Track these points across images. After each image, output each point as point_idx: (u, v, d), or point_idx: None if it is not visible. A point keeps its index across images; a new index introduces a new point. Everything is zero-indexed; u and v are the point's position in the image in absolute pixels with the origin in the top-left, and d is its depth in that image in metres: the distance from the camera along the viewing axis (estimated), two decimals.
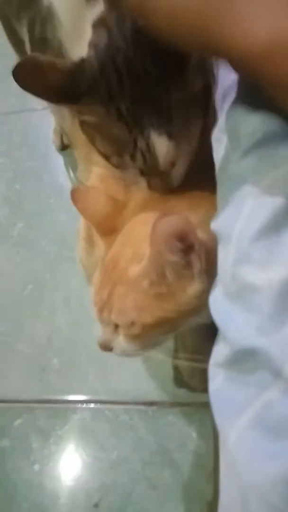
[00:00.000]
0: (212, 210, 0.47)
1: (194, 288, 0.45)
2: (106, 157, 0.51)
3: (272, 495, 0.27)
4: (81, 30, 0.48)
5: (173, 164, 0.48)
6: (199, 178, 0.51)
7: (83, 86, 0.45)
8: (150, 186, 0.51)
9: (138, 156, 0.47)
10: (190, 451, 0.62)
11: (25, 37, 0.59)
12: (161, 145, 0.46)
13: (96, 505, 0.62)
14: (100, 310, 0.48)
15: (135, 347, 0.48)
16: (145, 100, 0.44)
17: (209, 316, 0.47)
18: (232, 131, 0.37)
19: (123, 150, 0.48)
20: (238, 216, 0.33)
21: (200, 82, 0.45)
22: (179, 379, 0.67)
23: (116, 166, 0.51)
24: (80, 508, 0.63)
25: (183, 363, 0.67)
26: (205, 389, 0.66)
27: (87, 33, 0.47)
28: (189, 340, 0.67)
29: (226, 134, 0.38)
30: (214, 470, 0.60)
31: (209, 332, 0.70)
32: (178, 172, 0.50)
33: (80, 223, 0.59)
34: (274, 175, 0.31)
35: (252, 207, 0.32)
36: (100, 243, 0.52)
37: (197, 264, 0.44)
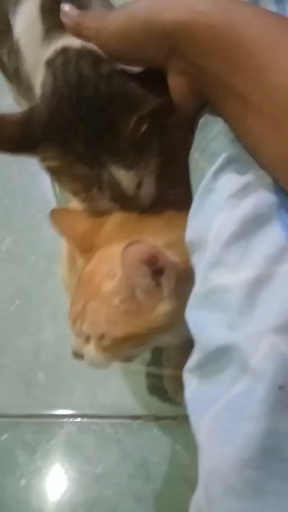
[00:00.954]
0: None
1: (163, 307, 0.47)
2: (75, 194, 0.52)
3: (230, 477, 0.28)
4: (39, 68, 0.49)
5: (139, 185, 0.50)
6: (178, 196, 0.52)
7: (37, 135, 0.45)
8: (124, 210, 0.52)
9: (105, 188, 0.49)
10: (175, 464, 0.63)
11: (7, 63, 0.60)
12: (122, 176, 0.47)
13: None
14: (74, 321, 0.50)
15: (104, 358, 0.50)
16: (97, 142, 0.46)
17: (182, 336, 0.49)
18: (204, 148, 0.39)
19: (89, 186, 0.49)
20: (211, 225, 0.35)
21: (145, 126, 0.45)
22: (164, 394, 0.69)
23: (87, 201, 0.52)
24: None
25: (167, 379, 0.68)
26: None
27: (41, 72, 0.49)
28: (174, 357, 0.68)
29: (198, 150, 0.40)
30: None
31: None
32: (147, 191, 0.51)
33: (63, 244, 0.61)
34: (245, 191, 0.34)
35: (224, 217, 0.35)
36: (79, 260, 0.53)
37: (167, 285, 0.46)
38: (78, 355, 0.51)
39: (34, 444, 0.70)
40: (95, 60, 0.46)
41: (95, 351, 0.49)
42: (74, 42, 0.47)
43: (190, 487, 0.61)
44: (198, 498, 0.31)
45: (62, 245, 0.62)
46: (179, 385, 0.66)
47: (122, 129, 0.45)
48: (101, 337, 0.48)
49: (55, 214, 0.55)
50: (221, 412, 0.30)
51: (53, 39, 0.49)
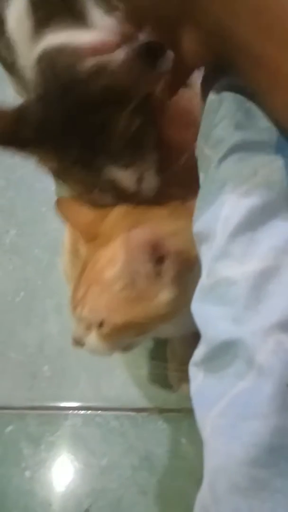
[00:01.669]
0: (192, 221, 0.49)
1: (164, 296, 0.47)
2: (78, 195, 0.52)
3: (236, 475, 0.28)
4: (32, 64, 0.48)
5: (140, 179, 0.49)
6: (184, 187, 0.52)
7: (27, 135, 0.44)
8: (129, 204, 0.52)
9: (106, 188, 0.48)
10: (179, 457, 0.63)
11: (6, 57, 0.59)
12: (121, 175, 0.47)
13: (86, 511, 0.63)
14: (75, 307, 0.50)
15: (105, 347, 0.50)
16: (91, 145, 0.45)
17: (184, 327, 0.49)
18: (207, 136, 0.38)
19: (90, 187, 0.49)
20: (218, 217, 0.34)
21: (137, 122, 0.44)
22: (169, 386, 0.68)
23: (89, 201, 0.52)
24: None
25: (172, 372, 0.68)
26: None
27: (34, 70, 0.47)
28: (178, 350, 0.68)
29: (203, 138, 0.39)
30: (203, 477, 0.61)
31: (199, 341, 0.71)
32: (149, 184, 0.50)
33: (66, 236, 0.61)
34: (252, 180, 0.33)
35: (230, 207, 0.34)
36: (83, 249, 0.53)
37: (168, 273, 0.46)
38: (78, 343, 0.51)
39: (38, 436, 0.71)
40: (73, 60, 0.44)
41: (96, 339, 0.49)
42: (60, 38, 0.46)
43: (194, 480, 0.61)
44: (203, 496, 0.30)
45: (65, 237, 0.61)
46: (184, 378, 0.67)
47: (114, 129, 0.44)
48: (101, 323, 0.48)
49: (61, 203, 0.55)
50: (226, 408, 0.30)
51: (41, 35, 0.48)
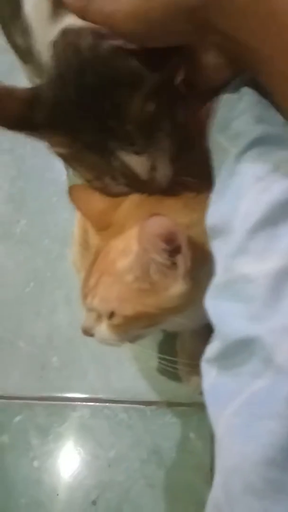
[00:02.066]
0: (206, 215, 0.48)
1: (176, 288, 0.46)
2: (89, 182, 0.51)
3: (252, 476, 0.27)
4: (48, 47, 0.46)
5: (153, 168, 0.48)
6: (199, 180, 0.51)
7: (40, 117, 0.43)
8: (142, 193, 0.51)
9: (118, 175, 0.47)
10: (188, 452, 0.63)
11: (20, 43, 0.59)
12: (133, 161, 0.46)
13: (94, 502, 0.63)
14: (85, 296, 0.50)
15: (115, 337, 0.49)
16: (104, 129, 0.44)
17: (195, 320, 0.48)
18: (225, 128, 0.37)
19: (102, 174, 0.48)
20: (236, 210, 0.34)
21: (153, 105, 0.43)
22: (178, 380, 0.68)
23: (100, 189, 0.51)
24: (78, 505, 0.64)
25: (181, 366, 0.67)
26: (202, 392, 0.66)
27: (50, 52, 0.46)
28: (188, 345, 0.67)
29: (219, 130, 0.38)
30: (211, 471, 0.60)
31: (209, 335, 0.71)
32: (163, 174, 0.49)
33: (75, 227, 0.60)
34: (273, 175, 0.32)
35: (250, 202, 0.33)
36: (95, 238, 0.53)
37: (182, 266, 0.45)
38: (87, 332, 0.51)
39: (47, 427, 0.71)
40: (95, 39, 0.43)
41: (106, 329, 0.49)
42: (76, 20, 0.44)
43: (202, 474, 0.61)
44: (216, 496, 0.30)
45: (74, 228, 0.61)
46: (193, 372, 0.66)
47: (128, 113, 0.43)
48: (112, 314, 0.48)
49: (73, 191, 0.54)
50: (242, 407, 0.29)
51: (59, 17, 0.46)
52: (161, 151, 0.47)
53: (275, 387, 0.28)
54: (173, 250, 0.45)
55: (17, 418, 0.73)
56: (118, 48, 0.42)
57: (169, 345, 0.69)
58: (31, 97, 0.44)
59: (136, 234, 0.45)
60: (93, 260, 0.51)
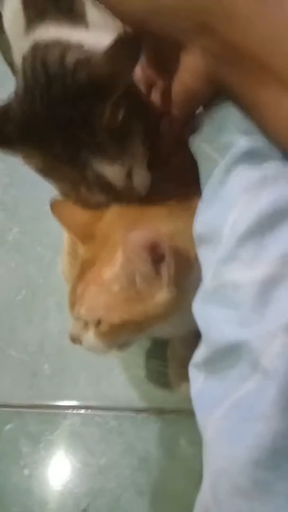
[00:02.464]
0: (191, 223, 0.48)
1: (161, 296, 0.47)
2: (65, 195, 0.52)
3: (239, 478, 0.28)
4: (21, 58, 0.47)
5: (129, 175, 0.48)
6: (182, 186, 0.52)
7: (11, 133, 0.44)
8: (120, 202, 0.51)
9: (92, 185, 0.47)
10: (178, 458, 0.63)
11: (7, 59, 0.59)
12: (106, 170, 0.46)
13: (84, 510, 0.63)
14: (72, 305, 0.50)
15: (102, 345, 0.50)
16: (74, 140, 0.44)
17: (182, 327, 0.49)
18: (213, 139, 0.38)
19: (76, 185, 0.48)
20: (225, 219, 0.34)
21: (121, 112, 0.43)
22: (168, 387, 0.68)
23: (78, 202, 0.51)
24: None
25: (172, 372, 0.68)
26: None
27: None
28: (179, 350, 0.68)
29: (206, 140, 0.39)
30: (202, 478, 0.60)
31: (200, 342, 0.71)
32: (140, 180, 0.49)
33: (65, 237, 0.61)
34: (262, 186, 0.33)
35: (240, 211, 0.34)
36: (80, 249, 0.53)
37: (166, 274, 0.46)
38: (75, 340, 0.52)
39: (38, 435, 0.70)
40: (62, 52, 0.43)
41: (93, 337, 0.50)
42: (46, 34, 0.45)
43: (193, 481, 0.61)
44: (204, 497, 0.30)
45: (64, 238, 0.61)
46: (184, 378, 0.67)
47: (98, 121, 0.43)
48: (98, 322, 0.48)
49: (55, 205, 0.55)
50: (229, 411, 0.30)
51: (31, 31, 0.47)
52: (136, 157, 0.47)
53: (262, 390, 0.28)
54: (158, 258, 0.46)
55: (8, 426, 0.72)
56: (85, 59, 0.43)
57: (160, 352, 0.69)
58: (1, 112, 0.44)
59: (121, 245, 0.46)
60: (80, 270, 0.51)
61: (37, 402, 0.74)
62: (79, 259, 0.52)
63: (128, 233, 0.44)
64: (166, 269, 0.46)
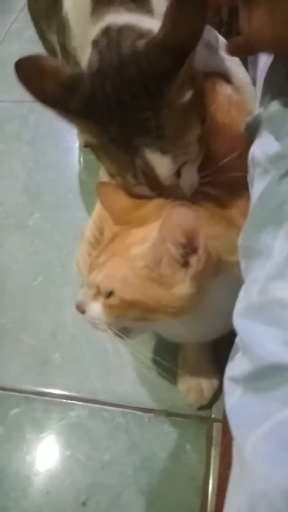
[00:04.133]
0: (229, 231, 0.47)
1: (181, 289, 0.46)
2: (112, 176, 0.53)
3: (280, 503, 0.27)
4: (87, 44, 0.49)
5: (178, 174, 0.48)
6: (226, 194, 0.51)
7: (74, 102, 0.45)
8: (163, 198, 0.51)
9: (139, 174, 0.48)
10: (182, 463, 0.63)
11: (55, 41, 0.59)
12: (157, 161, 0.46)
13: (83, 504, 0.63)
14: (91, 270, 0.50)
15: (105, 319, 0.49)
16: (134, 123, 0.45)
17: (195, 334, 0.47)
18: (267, 148, 0.38)
19: (124, 170, 0.49)
20: (276, 235, 0.34)
21: (189, 94, 0.45)
22: (178, 392, 0.68)
23: (122, 186, 0.52)
24: (68, 505, 0.63)
25: (181, 379, 0.67)
26: (201, 407, 0.66)
27: (89, 49, 0.48)
28: (190, 358, 0.67)
29: (261, 149, 0.38)
30: (204, 485, 0.60)
31: (211, 352, 0.70)
32: (188, 181, 0.50)
33: (87, 227, 0.61)
34: None
35: None
36: (110, 230, 0.53)
37: (194, 267, 0.45)
38: (80, 307, 0.51)
39: (43, 423, 0.71)
40: (136, 37, 0.45)
41: (99, 309, 0.49)
42: (118, 19, 0.47)
43: (194, 487, 0.61)
44: None
45: (87, 227, 0.61)
46: (192, 386, 0.66)
47: (163, 103, 0.44)
48: (110, 293, 0.48)
49: (100, 185, 0.56)
50: (271, 433, 0.29)
51: (100, 15, 0.49)
52: (190, 155, 0.48)
53: None
54: (190, 249, 0.45)
55: (14, 411, 0.73)
56: (155, 44, 0.44)
57: (171, 356, 0.68)
58: (71, 81, 0.46)
59: (158, 227, 0.45)
60: (108, 242, 0.51)
61: (46, 389, 0.74)
62: (110, 233, 0.52)
63: (172, 206, 0.43)
64: (196, 263, 0.45)
